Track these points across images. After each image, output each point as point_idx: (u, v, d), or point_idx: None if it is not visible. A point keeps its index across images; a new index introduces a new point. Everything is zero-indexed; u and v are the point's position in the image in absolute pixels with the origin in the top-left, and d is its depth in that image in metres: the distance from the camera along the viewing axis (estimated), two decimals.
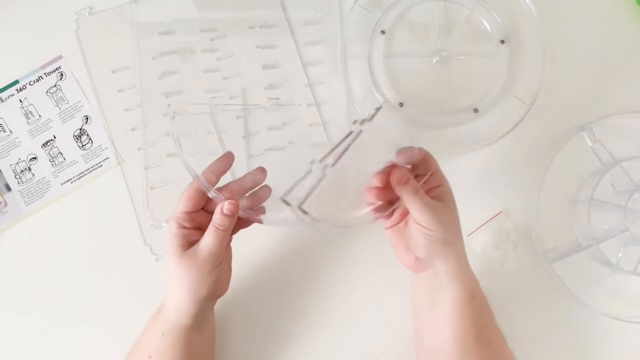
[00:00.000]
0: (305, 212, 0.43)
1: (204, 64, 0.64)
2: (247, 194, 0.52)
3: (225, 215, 0.47)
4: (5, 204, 0.62)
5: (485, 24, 0.65)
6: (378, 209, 0.49)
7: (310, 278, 0.60)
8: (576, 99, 0.64)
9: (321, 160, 0.47)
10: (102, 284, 0.60)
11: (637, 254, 0.58)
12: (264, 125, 0.63)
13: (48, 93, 0.64)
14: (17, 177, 0.63)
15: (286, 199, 0.44)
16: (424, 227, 0.47)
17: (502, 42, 0.64)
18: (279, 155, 0.62)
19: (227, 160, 0.50)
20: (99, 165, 0.63)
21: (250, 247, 0.60)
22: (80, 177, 0.63)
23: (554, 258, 0.59)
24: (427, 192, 0.49)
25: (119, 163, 0.63)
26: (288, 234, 0.61)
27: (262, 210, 0.52)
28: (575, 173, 0.62)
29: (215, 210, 0.47)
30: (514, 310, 0.59)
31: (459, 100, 0.63)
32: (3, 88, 0.64)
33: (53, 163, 0.63)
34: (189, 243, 0.48)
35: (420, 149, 0.50)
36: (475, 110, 0.63)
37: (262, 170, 0.52)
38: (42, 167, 0.63)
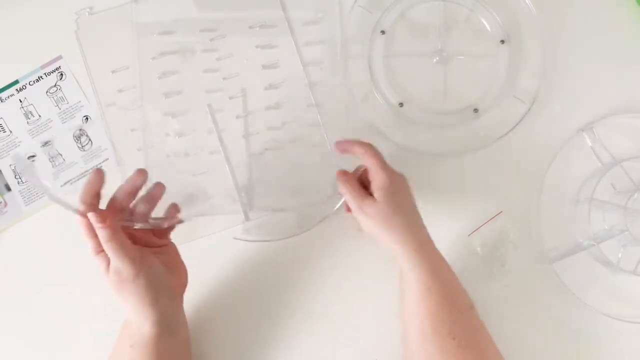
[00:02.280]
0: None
1: (204, 64, 0.64)
2: (139, 197, 0.53)
3: (101, 227, 0.47)
4: (5, 204, 0.62)
5: (485, 24, 0.65)
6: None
7: (307, 279, 0.60)
8: (576, 99, 0.64)
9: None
10: (101, 284, 0.60)
11: (637, 254, 0.58)
12: (264, 125, 0.63)
13: (48, 93, 0.64)
14: (17, 177, 0.63)
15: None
16: (356, 218, 0.52)
17: (502, 42, 0.64)
18: (279, 155, 0.62)
19: (97, 177, 0.50)
20: (98, 165, 0.63)
21: (244, 250, 0.60)
22: (80, 177, 0.63)
23: (554, 258, 0.59)
24: (369, 186, 0.53)
25: (118, 164, 0.63)
26: (278, 243, 0.61)
27: (176, 211, 0.55)
28: (575, 173, 0.62)
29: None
30: (514, 310, 0.59)
31: (459, 100, 0.63)
32: (3, 88, 0.64)
33: (53, 163, 0.63)
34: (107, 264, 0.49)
35: (361, 144, 0.54)
36: (475, 110, 0.63)
37: (141, 173, 0.52)
38: (41, 167, 0.63)
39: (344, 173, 0.55)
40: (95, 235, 0.48)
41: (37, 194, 0.62)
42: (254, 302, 0.59)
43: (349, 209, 0.55)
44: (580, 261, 0.59)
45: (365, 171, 0.54)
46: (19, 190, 0.62)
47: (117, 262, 0.47)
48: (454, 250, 0.60)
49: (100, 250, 0.48)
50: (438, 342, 0.48)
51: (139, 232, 0.51)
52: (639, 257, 0.58)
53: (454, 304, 0.50)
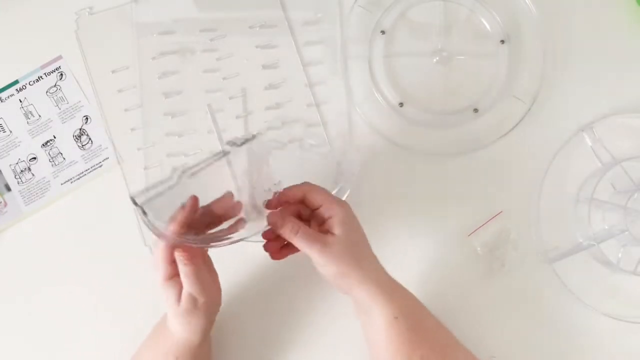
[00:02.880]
0: (144, 213, 0.45)
1: (204, 64, 0.64)
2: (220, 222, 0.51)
3: (185, 264, 0.47)
4: (5, 204, 0.62)
5: (485, 24, 0.65)
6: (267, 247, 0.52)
7: (307, 279, 0.60)
8: (576, 99, 0.64)
9: (184, 171, 0.48)
10: (101, 284, 0.60)
11: (637, 254, 0.58)
12: (264, 124, 0.63)
13: (48, 93, 0.64)
14: (17, 177, 0.63)
15: (135, 197, 0.45)
16: (316, 264, 0.48)
17: (502, 42, 0.64)
18: (279, 155, 0.62)
19: (191, 207, 0.48)
20: (98, 165, 0.63)
21: (244, 250, 0.60)
22: (80, 177, 0.63)
23: (554, 258, 0.59)
24: (321, 225, 0.49)
25: (118, 163, 0.63)
26: None
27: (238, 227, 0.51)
28: (575, 173, 0.62)
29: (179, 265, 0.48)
30: (514, 310, 0.59)
31: (459, 100, 0.63)
32: (3, 88, 0.64)
33: (53, 163, 0.63)
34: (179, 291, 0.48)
35: (300, 186, 0.50)
36: (475, 110, 0.63)
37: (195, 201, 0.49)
38: (41, 167, 0.63)
39: (292, 225, 0.48)
40: (170, 263, 0.47)
41: (37, 194, 0.62)
42: (254, 302, 0.59)
43: (276, 256, 0.52)
44: (580, 261, 0.59)
45: (297, 207, 0.51)
46: (19, 190, 0.62)
47: (195, 291, 0.48)
48: (454, 250, 0.60)
49: (172, 277, 0.48)
50: None
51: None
52: (639, 257, 0.58)
53: (423, 329, 0.49)
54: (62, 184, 0.63)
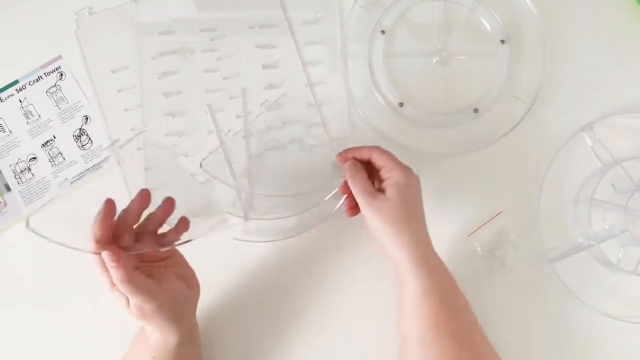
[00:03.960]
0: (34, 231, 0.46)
1: (204, 64, 0.64)
2: (145, 218, 0.50)
3: (115, 266, 0.45)
4: (5, 204, 0.62)
5: (485, 24, 0.65)
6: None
7: (307, 280, 0.60)
8: (576, 99, 0.64)
9: (65, 180, 0.51)
10: (101, 284, 0.60)
11: (637, 254, 0.58)
12: (264, 124, 0.63)
13: (48, 93, 0.64)
14: (17, 177, 0.63)
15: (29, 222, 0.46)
16: (364, 215, 0.51)
17: (502, 42, 0.64)
18: (279, 155, 0.62)
19: (108, 209, 0.47)
20: (98, 165, 0.63)
21: (244, 250, 0.60)
22: (80, 177, 0.63)
23: (554, 258, 0.59)
24: (380, 184, 0.52)
25: (118, 163, 0.63)
26: (279, 244, 0.61)
27: (186, 227, 0.51)
28: (575, 173, 0.62)
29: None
30: (514, 310, 0.59)
31: (459, 100, 0.63)
32: (3, 88, 0.64)
33: (53, 163, 0.63)
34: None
35: (370, 147, 0.53)
36: (475, 110, 0.63)
37: (145, 196, 0.49)
38: (41, 167, 0.63)
39: (353, 165, 0.53)
40: (108, 270, 0.45)
41: (37, 194, 0.62)
42: (254, 302, 0.59)
43: (350, 211, 0.55)
44: (580, 261, 0.59)
45: (371, 166, 0.54)
46: (19, 190, 0.62)
47: (136, 300, 0.46)
48: (454, 250, 0.60)
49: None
50: (442, 343, 0.47)
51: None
52: (639, 257, 0.58)
53: (453, 306, 0.50)
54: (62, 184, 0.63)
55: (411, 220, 0.50)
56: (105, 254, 0.45)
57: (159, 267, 0.50)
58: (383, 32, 0.64)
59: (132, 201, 0.49)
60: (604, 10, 0.65)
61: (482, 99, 0.63)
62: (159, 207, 0.50)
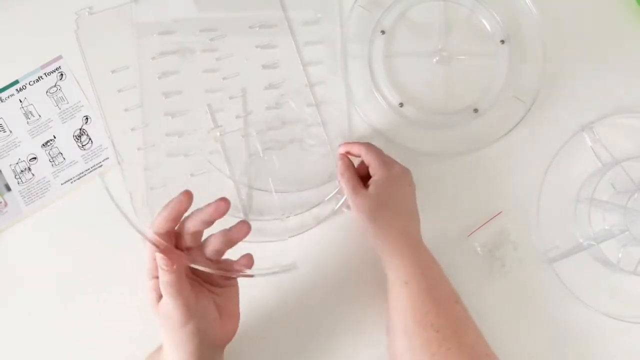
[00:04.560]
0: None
1: (204, 64, 0.64)
2: (213, 235, 0.47)
3: (165, 270, 0.43)
4: (5, 204, 0.62)
5: (485, 24, 0.65)
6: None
7: (307, 279, 0.60)
8: (576, 99, 0.64)
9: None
10: (101, 284, 0.60)
11: (637, 254, 0.58)
12: (264, 124, 0.63)
13: (48, 93, 0.64)
14: (17, 177, 0.63)
15: None
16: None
17: (502, 42, 0.64)
18: (279, 155, 0.62)
19: (181, 203, 0.45)
20: (99, 165, 0.63)
21: (244, 250, 0.60)
22: (80, 177, 0.63)
23: (554, 258, 0.59)
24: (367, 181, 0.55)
25: (118, 163, 0.63)
26: (280, 244, 0.61)
27: (250, 263, 0.49)
28: (575, 173, 0.62)
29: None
30: (514, 310, 0.59)
31: (459, 100, 0.63)
32: (3, 88, 0.64)
33: (53, 163, 0.63)
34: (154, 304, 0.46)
35: (360, 143, 0.56)
36: (475, 110, 0.63)
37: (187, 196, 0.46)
38: (42, 167, 0.63)
39: (345, 162, 0.57)
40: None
41: (37, 194, 0.62)
42: (253, 302, 0.59)
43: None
44: (580, 261, 0.59)
45: (365, 166, 0.56)
46: (19, 190, 0.62)
47: (170, 306, 0.44)
48: (454, 250, 0.60)
49: (156, 275, 0.44)
50: (424, 333, 0.47)
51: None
52: (639, 257, 0.58)
53: (434, 298, 0.49)
54: (62, 184, 0.63)
55: (389, 214, 0.52)
56: (160, 259, 0.42)
57: (206, 292, 0.47)
58: (383, 32, 0.64)
59: (174, 201, 0.46)
60: (604, 10, 0.65)
61: (482, 99, 0.63)
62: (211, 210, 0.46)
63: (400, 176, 0.55)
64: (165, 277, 0.43)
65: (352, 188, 0.54)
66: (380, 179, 0.54)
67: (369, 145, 0.56)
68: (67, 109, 0.64)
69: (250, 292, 0.60)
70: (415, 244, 0.52)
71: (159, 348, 0.50)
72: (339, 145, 0.58)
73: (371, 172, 0.55)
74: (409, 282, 0.50)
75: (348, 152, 0.58)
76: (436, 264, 0.52)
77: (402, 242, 0.51)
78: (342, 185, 0.56)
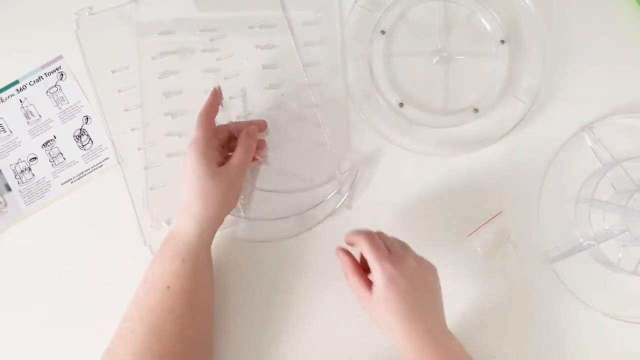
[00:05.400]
0: None
1: (204, 64, 0.64)
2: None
3: (249, 135, 0.55)
4: (5, 204, 0.62)
5: (485, 24, 0.65)
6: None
7: (306, 279, 0.60)
8: (576, 99, 0.64)
9: None
10: (101, 284, 0.60)
11: (637, 254, 0.58)
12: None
13: (48, 93, 0.64)
14: (17, 177, 0.63)
15: None
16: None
17: (502, 42, 0.64)
18: (279, 155, 0.62)
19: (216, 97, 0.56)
20: (99, 165, 0.63)
21: (244, 250, 0.60)
22: (80, 177, 0.63)
23: (554, 258, 0.59)
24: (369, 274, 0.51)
25: (119, 163, 0.63)
26: (279, 243, 0.61)
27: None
28: (575, 173, 0.62)
29: (242, 134, 0.55)
30: (514, 310, 0.59)
31: (459, 100, 0.63)
32: (3, 88, 0.64)
33: (53, 163, 0.63)
34: (219, 163, 0.53)
35: (356, 234, 0.52)
36: (475, 110, 0.63)
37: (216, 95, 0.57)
38: (42, 167, 0.63)
39: (345, 261, 0.53)
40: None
41: (37, 193, 0.62)
42: (254, 302, 0.59)
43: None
44: (580, 261, 0.59)
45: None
46: (19, 191, 0.63)
47: (246, 163, 0.54)
48: (454, 250, 0.60)
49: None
50: None
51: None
52: (639, 257, 0.58)
53: None
54: (62, 184, 0.63)
55: (395, 320, 0.49)
56: (252, 126, 0.57)
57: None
58: (383, 32, 0.64)
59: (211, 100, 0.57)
60: (604, 10, 0.65)
61: (482, 99, 0.63)
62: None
63: (395, 276, 0.49)
64: (250, 141, 0.55)
65: (358, 292, 0.51)
66: (378, 282, 0.49)
67: (368, 237, 0.51)
68: (67, 109, 0.64)
69: (248, 292, 0.60)
70: (427, 336, 0.49)
71: (170, 239, 0.53)
72: (344, 240, 0.55)
73: (370, 266, 0.50)
74: None
75: (349, 242, 0.54)
76: (453, 349, 0.50)
77: (406, 340, 0.49)
78: (347, 280, 0.53)
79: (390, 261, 0.49)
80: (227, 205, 0.54)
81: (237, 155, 0.54)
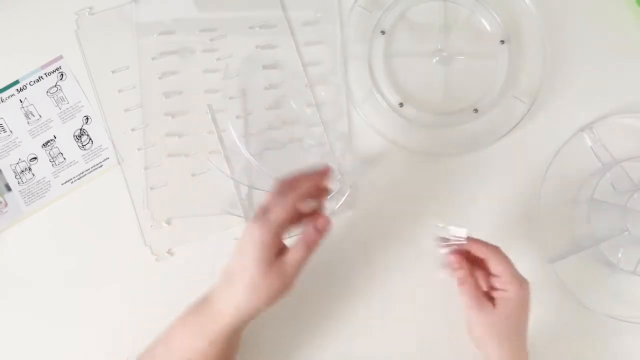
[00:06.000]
0: None
1: (204, 64, 0.64)
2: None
3: (319, 231, 0.48)
4: (5, 204, 0.62)
5: (485, 24, 0.65)
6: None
7: (306, 279, 0.60)
8: (576, 99, 0.64)
9: None
10: (102, 284, 0.60)
11: (637, 254, 0.58)
12: (264, 124, 0.63)
13: (48, 93, 0.64)
14: (17, 177, 0.63)
15: None
16: (467, 319, 0.50)
17: (502, 42, 0.64)
18: (279, 155, 0.62)
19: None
20: (99, 165, 0.63)
21: None
22: (81, 177, 0.63)
23: (554, 258, 0.59)
24: (490, 291, 0.50)
25: (119, 163, 0.63)
26: None
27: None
28: (575, 173, 0.62)
29: (307, 227, 0.48)
30: None
31: (459, 100, 0.63)
32: (3, 88, 0.64)
33: (53, 163, 0.63)
34: (277, 252, 0.47)
35: (488, 247, 0.50)
36: (475, 110, 0.63)
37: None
38: (42, 167, 0.63)
39: (463, 275, 0.50)
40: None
41: (37, 193, 0.62)
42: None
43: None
44: (580, 261, 0.59)
45: (481, 263, 0.51)
46: (19, 190, 0.63)
47: (304, 262, 0.48)
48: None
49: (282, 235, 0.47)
50: None
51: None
52: (639, 257, 0.58)
53: None
54: (62, 184, 0.63)
55: (515, 338, 0.49)
56: (325, 220, 0.48)
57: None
58: (383, 32, 0.64)
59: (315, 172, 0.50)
60: (604, 11, 0.65)
61: (482, 99, 0.63)
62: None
63: (528, 297, 0.50)
64: (318, 238, 0.48)
65: (475, 301, 0.49)
66: (513, 299, 0.48)
67: (498, 251, 0.50)
68: (67, 109, 0.64)
69: None
70: None
71: (200, 310, 0.49)
72: (466, 239, 0.50)
73: (499, 284, 0.49)
74: None
75: (471, 249, 0.51)
76: None
77: None
78: (461, 293, 0.50)
79: (521, 279, 0.49)
80: (275, 300, 0.48)
81: (298, 252, 0.47)
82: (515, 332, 0.49)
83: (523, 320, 0.50)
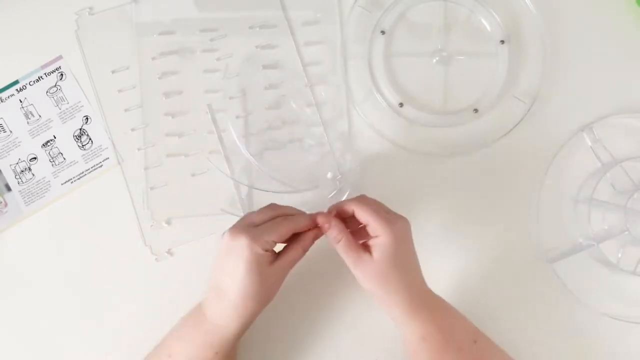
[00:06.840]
0: None
1: (204, 64, 0.64)
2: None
3: (316, 237, 0.51)
4: (5, 204, 0.62)
5: (485, 24, 0.65)
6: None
7: (306, 279, 0.60)
8: (576, 99, 0.64)
9: None
10: (102, 284, 0.60)
11: (637, 254, 0.58)
12: (264, 124, 0.63)
13: (48, 93, 0.64)
14: (17, 177, 0.63)
15: None
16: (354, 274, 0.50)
17: (502, 42, 0.64)
18: (279, 155, 0.62)
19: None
20: (99, 165, 0.63)
21: None
22: (80, 177, 0.63)
23: (554, 258, 0.59)
24: (366, 242, 0.50)
25: (119, 163, 0.63)
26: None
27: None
28: (575, 173, 0.62)
29: (308, 235, 0.50)
30: (514, 310, 0.59)
31: (459, 100, 0.63)
32: (3, 88, 0.64)
33: (53, 163, 0.63)
34: (268, 263, 0.48)
35: (351, 201, 0.50)
36: (475, 110, 0.63)
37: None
38: (42, 167, 0.63)
39: (337, 226, 0.50)
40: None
41: (37, 193, 0.62)
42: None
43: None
44: (580, 261, 0.59)
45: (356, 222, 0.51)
46: (19, 190, 0.63)
47: (294, 263, 0.50)
48: (454, 250, 0.60)
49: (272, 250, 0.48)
50: None
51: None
52: (639, 257, 0.58)
53: (453, 348, 0.49)
54: (62, 184, 0.63)
55: (397, 277, 0.48)
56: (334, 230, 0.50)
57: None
58: (383, 32, 0.64)
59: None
60: (604, 11, 0.65)
61: (482, 99, 0.63)
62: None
63: (403, 232, 0.49)
64: (310, 245, 0.50)
65: (353, 256, 0.49)
66: (385, 242, 0.47)
67: (362, 200, 0.50)
68: (67, 109, 0.64)
69: None
70: (424, 297, 0.50)
71: (198, 308, 0.51)
72: (324, 214, 0.51)
73: (371, 232, 0.49)
74: (425, 338, 0.48)
75: (338, 214, 0.51)
76: (448, 309, 0.51)
77: (412, 300, 0.49)
78: (339, 252, 0.50)
79: (390, 219, 0.48)
80: (270, 300, 0.51)
81: (292, 254, 0.50)
82: (396, 272, 0.48)
83: (406, 258, 0.49)
